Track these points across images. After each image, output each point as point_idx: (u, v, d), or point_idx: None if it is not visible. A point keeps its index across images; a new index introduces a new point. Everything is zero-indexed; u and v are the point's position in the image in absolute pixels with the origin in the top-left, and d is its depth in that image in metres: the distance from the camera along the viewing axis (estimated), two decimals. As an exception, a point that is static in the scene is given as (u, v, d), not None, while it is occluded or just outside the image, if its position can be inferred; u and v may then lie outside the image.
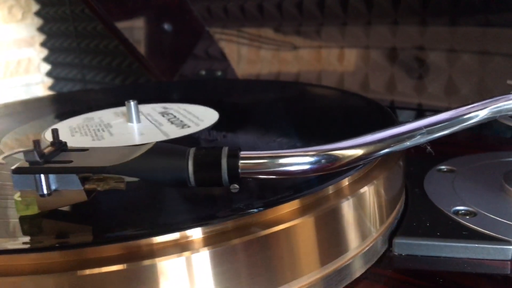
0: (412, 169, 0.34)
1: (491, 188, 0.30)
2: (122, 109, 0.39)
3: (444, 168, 0.34)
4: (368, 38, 0.61)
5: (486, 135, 0.51)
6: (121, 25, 0.73)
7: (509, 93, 0.27)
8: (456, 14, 0.53)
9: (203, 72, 0.75)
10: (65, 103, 0.50)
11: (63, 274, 0.18)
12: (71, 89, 1.09)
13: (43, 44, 1.11)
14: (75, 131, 0.35)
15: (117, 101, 0.42)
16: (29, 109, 0.46)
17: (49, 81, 1.15)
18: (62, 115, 0.40)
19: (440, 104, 0.56)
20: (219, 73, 0.74)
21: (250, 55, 0.74)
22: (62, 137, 0.22)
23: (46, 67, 1.13)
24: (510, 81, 0.32)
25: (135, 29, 0.75)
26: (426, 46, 0.56)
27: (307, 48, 0.67)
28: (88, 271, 0.18)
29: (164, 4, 0.74)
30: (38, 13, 1.08)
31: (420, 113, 0.59)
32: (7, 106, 0.47)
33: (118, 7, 0.72)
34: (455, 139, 0.52)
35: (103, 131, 0.35)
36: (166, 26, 0.73)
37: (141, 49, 0.74)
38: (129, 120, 0.36)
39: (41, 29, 1.10)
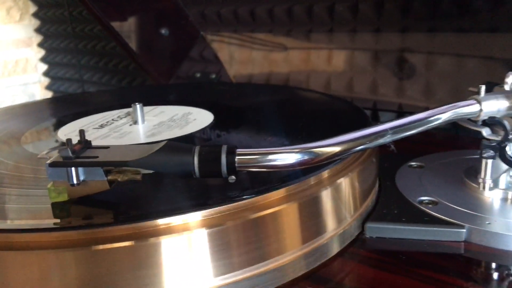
0: (387, 165, 0.39)
1: (453, 182, 0.35)
2: (127, 110, 0.44)
3: (414, 164, 0.39)
4: (353, 43, 0.65)
5: (462, 135, 0.56)
6: (119, 28, 0.77)
7: (468, 99, 0.31)
8: (434, 22, 0.57)
9: (198, 75, 0.79)
10: (71, 104, 0.54)
11: (80, 249, 0.22)
12: (68, 89, 1.13)
13: (41, 45, 1.15)
14: (86, 131, 0.39)
15: (121, 103, 0.46)
16: (38, 110, 0.50)
17: (46, 81, 1.18)
18: (71, 116, 0.44)
19: (419, 105, 0.61)
20: (213, 76, 0.78)
21: (242, 57, 0.79)
22: (74, 136, 0.26)
23: (43, 67, 1.17)
24: (472, 88, 0.36)
25: (133, 32, 0.78)
26: (407, 51, 0.61)
27: (297, 51, 0.72)
28: (101, 247, 0.22)
29: (161, 9, 0.78)
30: (35, 15, 1.11)
31: (401, 115, 0.63)
32: (14, 108, 0.51)
33: (117, 11, 0.76)
34: (434, 138, 0.57)
35: (112, 130, 0.39)
36: (163, 30, 0.77)
37: (139, 52, 0.78)
38: (135, 120, 0.41)
39: (38, 30, 1.13)
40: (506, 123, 0.28)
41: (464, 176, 0.35)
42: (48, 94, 1.17)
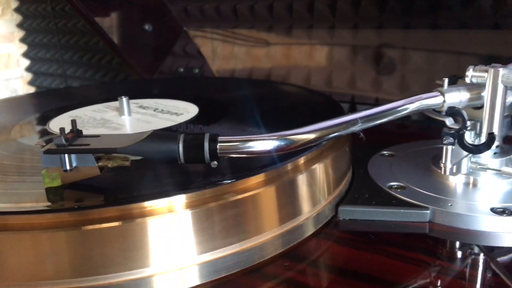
0: (360, 154, 0.41)
1: (421, 168, 0.38)
2: (114, 103, 0.45)
3: (386, 153, 0.42)
4: (332, 39, 0.68)
5: (434, 126, 0.59)
6: (103, 23, 0.78)
7: (432, 91, 0.34)
8: (408, 18, 0.60)
9: (181, 69, 0.81)
10: (59, 98, 0.55)
11: (72, 229, 0.24)
12: (51, 84, 1.13)
13: (23, 40, 1.14)
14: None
15: (106, 97, 0.47)
16: (22, 104, 0.51)
17: (28, 76, 1.18)
18: (61, 109, 0.45)
19: (394, 99, 0.64)
20: (196, 71, 0.79)
21: (224, 53, 0.80)
22: (66, 127, 0.28)
23: (26, 62, 1.17)
24: (439, 81, 0.39)
25: (117, 28, 0.79)
26: (383, 47, 0.63)
27: (278, 46, 0.74)
28: (91, 227, 0.24)
29: (145, 5, 0.79)
30: (17, 10, 1.11)
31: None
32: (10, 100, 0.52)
33: (100, 7, 0.77)
34: (407, 130, 0.60)
35: (101, 122, 0.40)
36: (147, 26, 0.79)
37: (123, 47, 0.79)
38: (121, 113, 0.42)
39: (20, 25, 1.13)
40: (463, 112, 0.31)
41: (431, 163, 0.37)
42: (31, 89, 1.17)
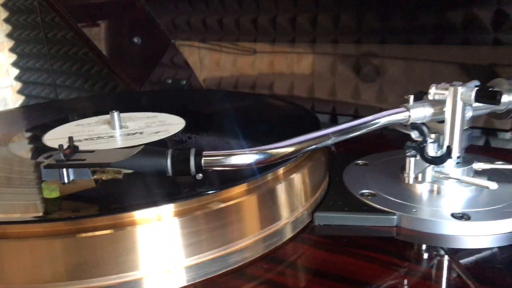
0: (337, 163, 0.45)
1: (391, 177, 0.41)
2: (105, 117, 0.48)
3: (360, 162, 0.45)
4: (314, 51, 0.71)
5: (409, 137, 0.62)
6: (93, 35, 0.80)
7: (399, 107, 0.37)
8: (385, 34, 0.63)
9: (169, 80, 0.84)
10: (52, 110, 0.58)
11: (67, 237, 0.26)
12: (41, 93, 1.15)
13: (12, 50, 1.16)
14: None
15: (97, 110, 0.50)
16: (15, 117, 0.54)
17: (18, 85, 1.19)
18: (54, 122, 0.48)
19: (373, 106, 0.67)
20: (183, 82, 0.82)
21: (211, 64, 0.83)
22: (62, 140, 0.31)
23: (15, 71, 1.18)
24: (407, 96, 0.42)
25: (106, 40, 0.82)
26: (361, 60, 0.67)
27: (264, 57, 0.77)
28: (84, 235, 0.27)
29: (134, 18, 0.82)
30: (7, 20, 1.13)
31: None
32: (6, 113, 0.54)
33: (90, 19, 0.79)
34: (383, 140, 0.64)
35: (93, 136, 0.43)
36: (136, 39, 0.81)
37: (112, 58, 0.82)
38: (113, 127, 0.45)
39: (10, 35, 1.15)
40: (424, 128, 0.34)
41: (400, 171, 0.41)
42: (20, 98, 1.19)
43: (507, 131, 0.57)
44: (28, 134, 0.46)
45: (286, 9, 0.71)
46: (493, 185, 0.33)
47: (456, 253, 0.32)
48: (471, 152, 0.40)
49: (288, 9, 0.71)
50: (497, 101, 0.33)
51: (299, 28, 0.71)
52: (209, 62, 0.84)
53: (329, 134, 0.33)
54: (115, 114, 0.44)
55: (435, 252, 0.33)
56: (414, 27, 0.62)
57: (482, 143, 0.59)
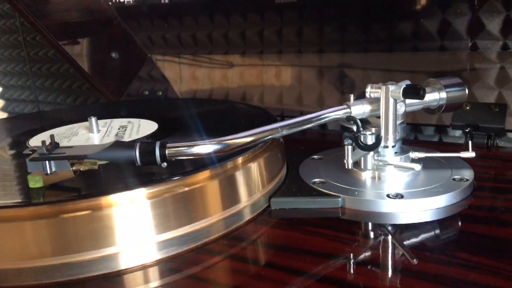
0: (296, 158, 0.50)
1: (341, 167, 0.46)
2: (85, 123, 0.52)
3: (316, 157, 0.50)
4: (300, 62, 0.76)
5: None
6: (73, 52, 0.85)
7: (342, 105, 0.42)
8: (367, 44, 0.69)
9: (147, 92, 0.89)
10: (34, 120, 0.62)
11: (51, 218, 0.31)
12: (23, 110, 1.18)
13: (-5, 68, 1.20)
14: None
15: (76, 119, 0.55)
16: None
17: (1, 103, 1.23)
18: (36, 130, 0.52)
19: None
20: (160, 93, 0.87)
21: (187, 76, 0.89)
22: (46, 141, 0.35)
23: (-2, 89, 1.22)
24: (353, 95, 0.47)
25: (86, 56, 0.87)
26: (346, 68, 0.72)
27: (237, 69, 0.83)
28: (66, 215, 0.31)
29: (111, 35, 0.87)
30: (-11, 40, 1.17)
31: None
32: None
33: (70, 37, 0.84)
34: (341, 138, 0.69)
35: (73, 138, 0.47)
36: (113, 54, 0.86)
37: (92, 73, 0.87)
38: (91, 131, 0.49)
39: (-8, 54, 1.19)
40: (358, 120, 0.39)
41: (349, 163, 0.46)
42: (3, 115, 1.22)
43: (433, 126, 0.64)
44: (14, 140, 0.50)
45: (254, 24, 0.77)
46: (417, 166, 0.39)
47: (392, 228, 0.37)
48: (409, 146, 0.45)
49: (256, 23, 0.76)
50: (421, 97, 0.39)
51: (266, 41, 0.77)
52: (185, 76, 0.89)
53: (278, 128, 0.38)
54: (93, 119, 0.49)
55: (374, 227, 0.38)
56: (370, 37, 0.68)
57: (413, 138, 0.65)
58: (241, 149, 0.38)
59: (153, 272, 0.33)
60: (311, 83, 0.75)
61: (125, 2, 0.84)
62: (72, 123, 0.54)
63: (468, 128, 0.56)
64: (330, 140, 0.67)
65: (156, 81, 0.91)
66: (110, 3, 0.85)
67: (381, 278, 0.31)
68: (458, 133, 0.66)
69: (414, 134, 0.68)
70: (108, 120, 0.55)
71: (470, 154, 0.42)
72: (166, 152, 0.34)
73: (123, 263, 0.33)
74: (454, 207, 0.39)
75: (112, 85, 0.88)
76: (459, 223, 0.37)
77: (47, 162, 0.33)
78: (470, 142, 0.44)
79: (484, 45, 0.59)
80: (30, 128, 0.54)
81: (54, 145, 0.35)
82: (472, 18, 0.59)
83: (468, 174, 0.43)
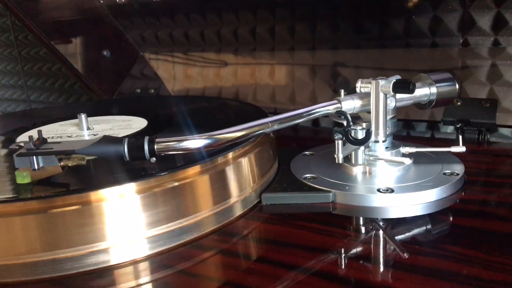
0: (287, 155, 0.50)
1: (332, 163, 0.46)
2: (74, 120, 0.52)
3: (307, 153, 0.50)
4: (293, 60, 0.76)
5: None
6: (65, 51, 0.85)
7: (333, 100, 0.42)
8: (360, 41, 0.68)
9: (138, 90, 0.88)
10: (24, 118, 0.62)
11: (40, 213, 0.31)
12: (15, 109, 1.18)
13: (-14, 68, 1.19)
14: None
15: (67, 116, 0.54)
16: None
17: (-7, 102, 1.22)
18: (33, 126, 0.52)
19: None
20: (152, 91, 0.87)
21: (179, 74, 0.88)
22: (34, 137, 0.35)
23: (-10, 89, 1.21)
24: (344, 91, 0.47)
25: (78, 54, 0.86)
26: (339, 65, 0.71)
27: (229, 67, 0.82)
28: (54, 210, 0.31)
29: (103, 33, 0.86)
30: (-20, 39, 1.16)
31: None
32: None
33: (61, 36, 0.84)
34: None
35: (63, 135, 0.47)
36: (105, 52, 0.86)
37: (84, 72, 0.86)
38: (81, 128, 0.49)
39: (-16, 54, 1.18)
40: (348, 115, 0.39)
41: (340, 158, 0.46)
42: (-5, 115, 1.21)
43: (425, 121, 0.64)
44: (2, 138, 0.49)
45: (247, 21, 0.77)
46: (407, 160, 0.39)
47: (383, 222, 0.37)
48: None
49: (248, 21, 0.76)
50: (411, 91, 0.39)
51: (259, 38, 0.77)
52: (178, 74, 0.89)
53: (269, 123, 0.38)
54: (83, 116, 0.48)
55: (365, 221, 0.38)
56: (362, 34, 0.68)
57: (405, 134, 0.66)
58: (232, 144, 0.38)
59: (144, 267, 0.33)
60: (304, 80, 0.75)
61: (117, 0, 0.83)
62: (62, 121, 0.53)
63: (459, 124, 0.56)
64: (322, 137, 0.67)
65: (148, 79, 0.91)
66: (102, 1, 0.84)
67: (372, 271, 0.30)
68: (450, 129, 0.66)
69: (406, 131, 0.68)
70: (99, 117, 0.54)
71: (461, 148, 0.42)
72: (155, 146, 0.34)
73: (113, 259, 0.33)
74: (444, 201, 0.39)
75: (104, 83, 0.87)
76: (450, 217, 0.37)
77: (34, 157, 0.33)
78: (460, 137, 0.44)
79: (475, 41, 0.59)
80: (19, 126, 0.53)
81: (42, 140, 0.34)
82: (463, 14, 0.59)
83: (458, 168, 0.43)
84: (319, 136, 0.69)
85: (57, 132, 0.49)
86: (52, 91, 1.09)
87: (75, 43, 0.85)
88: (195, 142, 0.35)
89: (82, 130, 0.49)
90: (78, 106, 0.79)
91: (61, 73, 1.05)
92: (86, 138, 0.46)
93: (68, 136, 0.47)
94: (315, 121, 0.74)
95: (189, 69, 0.87)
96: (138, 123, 0.50)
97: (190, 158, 0.37)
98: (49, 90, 1.09)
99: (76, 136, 0.47)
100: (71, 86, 1.04)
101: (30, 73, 1.10)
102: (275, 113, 0.78)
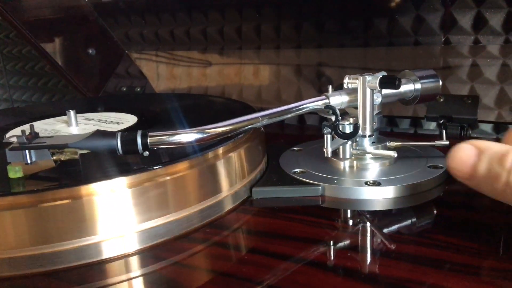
0: (275, 150, 0.50)
1: (320, 158, 0.47)
2: (63, 117, 0.52)
3: (295, 149, 0.51)
4: (278, 59, 0.76)
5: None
6: (49, 49, 0.84)
7: (321, 95, 0.43)
8: (344, 40, 0.69)
9: (124, 89, 0.88)
10: (15, 115, 0.61)
11: (30, 208, 0.31)
12: (-3, 108, 1.16)
13: (-33, 66, 1.17)
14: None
15: (52, 114, 0.54)
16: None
17: (-27, 101, 1.20)
18: (18, 123, 0.51)
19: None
20: (138, 89, 0.87)
21: (165, 73, 0.88)
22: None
23: (-30, 88, 1.19)
24: (331, 87, 0.48)
25: (62, 52, 0.86)
26: (323, 64, 0.72)
27: (216, 67, 0.83)
28: (45, 204, 0.31)
29: (88, 31, 0.86)
30: (-39, 37, 1.14)
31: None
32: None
33: (46, 33, 0.83)
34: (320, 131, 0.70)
35: (52, 132, 0.47)
36: (90, 50, 0.86)
37: (68, 70, 0.85)
38: (70, 124, 0.49)
39: (-36, 52, 1.16)
40: (336, 109, 0.40)
41: (328, 153, 0.47)
42: (-24, 114, 1.19)
43: (408, 117, 0.65)
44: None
45: (233, 20, 0.77)
46: (393, 153, 0.40)
47: (370, 214, 0.38)
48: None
49: (234, 19, 0.77)
50: (396, 86, 0.40)
51: (244, 38, 0.78)
52: (163, 72, 0.89)
53: (259, 117, 0.38)
54: (72, 112, 0.48)
55: (353, 213, 0.39)
56: (346, 33, 0.69)
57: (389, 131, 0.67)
58: (223, 139, 0.38)
59: (135, 261, 0.33)
60: (289, 78, 0.76)
61: (102, -2, 0.83)
62: (47, 118, 0.53)
63: (442, 120, 0.58)
64: (309, 134, 0.68)
65: (134, 78, 0.91)
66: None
67: (361, 260, 0.31)
68: (432, 125, 0.68)
69: (390, 128, 0.70)
70: (87, 114, 0.54)
71: (444, 142, 0.44)
72: (148, 140, 0.34)
73: (104, 253, 0.33)
74: (429, 193, 0.40)
75: (89, 82, 0.87)
76: (435, 208, 0.39)
77: (27, 151, 0.33)
78: (444, 132, 0.45)
79: (457, 40, 0.61)
80: (2, 124, 0.53)
81: (34, 134, 0.34)
82: (445, 14, 0.60)
83: (442, 162, 0.44)
84: (306, 133, 0.70)
85: (44, 128, 0.49)
86: (35, 90, 1.08)
87: (60, 41, 0.85)
88: (187, 136, 0.36)
89: (71, 126, 0.49)
90: (64, 104, 0.78)
91: (44, 72, 1.04)
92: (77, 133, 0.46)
93: (56, 133, 0.47)
94: (301, 119, 0.75)
95: (174, 68, 0.88)
96: (128, 120, 0.51)
97: (181, 152, 0.37)
98: (32, 89, 1.08)
99: (65, 132, 0.47)
100: (55, 85, 1.03)
101: (13, 72, 1.09)
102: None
